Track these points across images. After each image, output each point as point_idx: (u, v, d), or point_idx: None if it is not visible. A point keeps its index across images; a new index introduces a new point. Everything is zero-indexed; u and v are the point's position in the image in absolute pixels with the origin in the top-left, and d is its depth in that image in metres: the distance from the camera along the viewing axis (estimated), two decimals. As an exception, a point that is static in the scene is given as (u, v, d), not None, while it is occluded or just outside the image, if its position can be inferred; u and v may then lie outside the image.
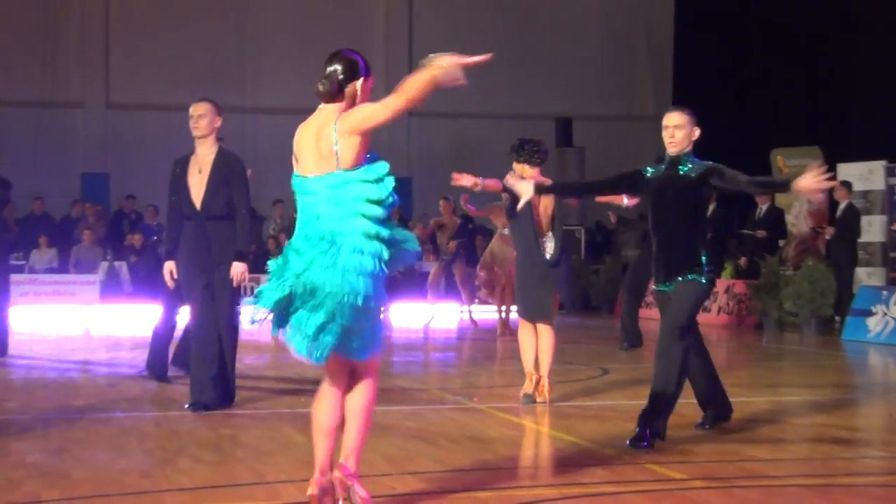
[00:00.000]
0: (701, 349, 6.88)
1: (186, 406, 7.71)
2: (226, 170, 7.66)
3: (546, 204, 8.08)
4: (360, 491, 4.65)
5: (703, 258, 6.55)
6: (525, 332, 8.13)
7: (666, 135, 6.57)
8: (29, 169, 22.74)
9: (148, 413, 7.97)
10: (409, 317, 15.97)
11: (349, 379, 4.78)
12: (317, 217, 4.63)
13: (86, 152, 22.69)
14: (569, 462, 6.30)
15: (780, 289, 15.16)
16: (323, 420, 4.75)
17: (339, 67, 4.78)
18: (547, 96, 25.34)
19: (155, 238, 19.46)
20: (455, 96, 20.52)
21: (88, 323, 17.33)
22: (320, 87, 4.78)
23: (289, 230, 21.49)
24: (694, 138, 6.57)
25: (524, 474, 5.91)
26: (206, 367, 7.62)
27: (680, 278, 6.53)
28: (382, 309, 4.69)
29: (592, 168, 21.53)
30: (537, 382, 8.02)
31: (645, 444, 6.32)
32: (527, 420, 7.77)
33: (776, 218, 17.08)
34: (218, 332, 7.64)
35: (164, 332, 9.31)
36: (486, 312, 16.50)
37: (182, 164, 7.78)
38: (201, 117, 7.53)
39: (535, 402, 8.01)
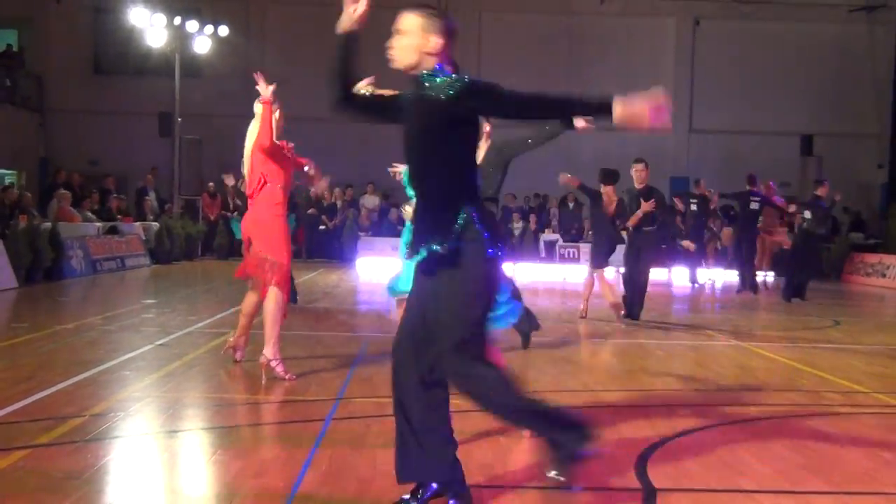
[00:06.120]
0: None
1: None
2: None
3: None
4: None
5: (462, 218, 4.15)
6: None
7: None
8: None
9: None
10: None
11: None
12: None
13: (675, 164, 30.18)
14: (808, 388, 7.63)
15: None
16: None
17: None
18: (793, 116, 31.40)
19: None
20: (729, 115, 29.38)
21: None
22: None
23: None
24: (427, 50, 4.27)
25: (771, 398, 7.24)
26: None
27: (435, 246, 4.17)
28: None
29: (830, 173, 25.96)
30: None
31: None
32: (780, 356, 9.60)
33: None
34: None
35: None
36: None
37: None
38: None
39: None
